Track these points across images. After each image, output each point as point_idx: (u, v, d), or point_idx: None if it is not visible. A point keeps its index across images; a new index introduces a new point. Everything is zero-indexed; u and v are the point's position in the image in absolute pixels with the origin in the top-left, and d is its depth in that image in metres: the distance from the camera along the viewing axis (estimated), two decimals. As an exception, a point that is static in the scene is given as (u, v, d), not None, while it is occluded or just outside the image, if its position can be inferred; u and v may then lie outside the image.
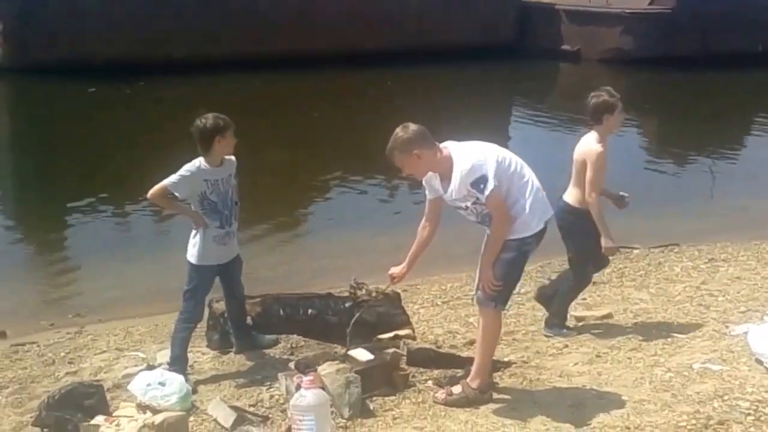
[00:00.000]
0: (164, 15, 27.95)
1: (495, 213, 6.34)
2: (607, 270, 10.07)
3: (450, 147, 6.40)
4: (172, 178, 7.16)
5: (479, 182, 6.20)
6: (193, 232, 7.33)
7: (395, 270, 7.03)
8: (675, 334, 8.01)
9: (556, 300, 8.24)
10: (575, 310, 8.76)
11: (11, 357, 8.64)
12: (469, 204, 6.40)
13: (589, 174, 7.66)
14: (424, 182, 6.66)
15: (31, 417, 6.82)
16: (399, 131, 6.34)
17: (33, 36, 26.85)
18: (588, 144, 7.85)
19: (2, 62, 26.97)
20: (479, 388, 6.63)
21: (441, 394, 6.68)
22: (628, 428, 6.11)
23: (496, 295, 6.50)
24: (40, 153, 19.61)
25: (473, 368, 6.69)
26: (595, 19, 32.13)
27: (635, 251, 11.31)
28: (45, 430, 6.58)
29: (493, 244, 6.44)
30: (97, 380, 7.40)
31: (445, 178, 6.41)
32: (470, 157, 6.27)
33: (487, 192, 6.20)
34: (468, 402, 6.58)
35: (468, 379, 6.67)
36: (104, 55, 26.42)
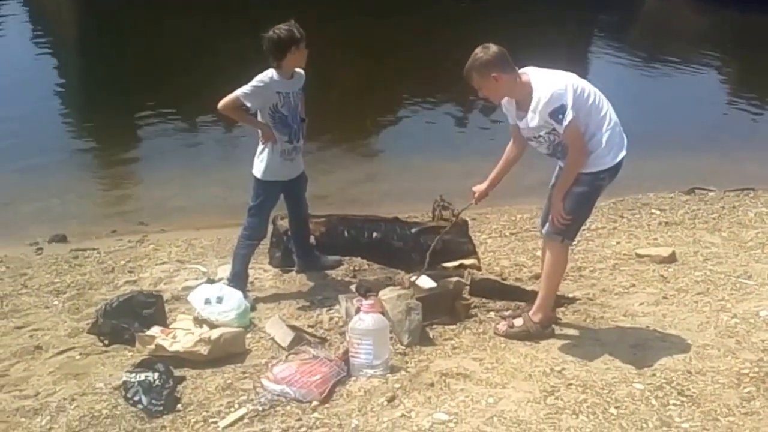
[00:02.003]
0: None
1: (572, 145, 6.13)
2: (680, 211, 9.93)
3: (530, 73, 6.18)
4: (245, 88, 7.04)
5: (558, 112, 5.99)
6: (261, 147, 7.24)
7: (478, 188, 6.89)
8: (744, 280, 7.84)
9: None
10: (640, 248, 8.63)
11: (71, 262, 8.68)
12: (542, 133, 6.20)
13: None
14: (502, 107, 6.47)
15: (87, 324, 6.86)
16: (479, 51, 6.12)
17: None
18: None
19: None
20: (541, 323, 6.52)
21: (502, 326, 6.59)
22: (689, 372, 6.01)
23: (565, 229, 6.34)
24: (109, 57, 19.55)
25: (536, 302, 6.58)
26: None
27: (710, 193, 11.04)
28: (101, 337, 6.60)
29: (567, 177, 6.23)
30: (157, 291, 7.39)
31: (523, 105, 6.21)
32: (550, 85, 6.05)
33: (565, 122, 5.99)
34: (529, 335, 6.48)
35: (530, 313, 6.55)
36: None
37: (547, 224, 6.46)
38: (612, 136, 6.19)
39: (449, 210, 7.66)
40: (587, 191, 6.28)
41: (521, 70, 6.19)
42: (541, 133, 6.21)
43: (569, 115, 5.98)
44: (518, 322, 6.55)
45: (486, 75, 6.08)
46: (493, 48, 6.11)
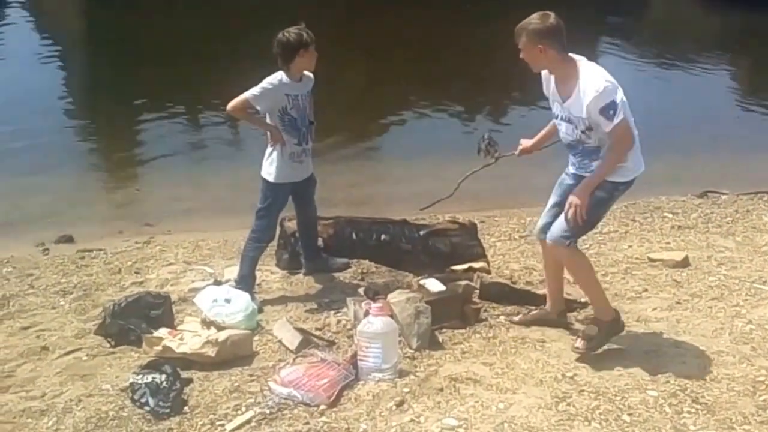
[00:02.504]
0: None
1: (618, 143, 5.92)
2: (693, 214, 9.87)
3: (580, 60, 5.99)
4: (254, 90, 7.03)
5: (610, 108, 5.78)
6: (270, 149, 7.22)
7: (525, 141, 6.82)
8: (759, 286, 7.75)
9: None
10: (653, 251, 8.55)
11: (77, 262, 8.65)
12: (577, 122, 6.00)
13: None
14: (542, 78, 6.26)
15: (93, 325, 6.84)
16: (536, 17, 5.94)
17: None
18: None
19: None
20: (612, 317, 6.35)
21: (580, 343, 6.27)
22: (704, 379, 5.94)
23: (573, 232, 6.15)
24: (115, 55, 19.56)
25: (594, 309, 6.45)
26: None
27: (723, 197, 10.95)
28: (108, 338, 6.57)
29: (600, 173, 6.00)
30: (164, 292, 7.34)
31: (563, 86, 6.02)
32: (602, 78, 5.84)
33: (616, 120, 5.78)
34: (610, 334, 6.31)
35: (596, 317, 6.38)
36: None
37: (555, 228, 6.23)
38: (636, 149, 6.06)
39: (495, 149, 7.19)
40: (605, 198, 6.13)
41: (573, 54, 6.02)
42: (578, 123, 6.01)
43: (620, 114, 5.79)
44: (592, 330, 6.32)
45: (534, 42, 5.90)
46: (552, 19, 5.93)
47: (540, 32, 5.88)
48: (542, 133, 6.73)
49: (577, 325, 6.77)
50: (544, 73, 6.19)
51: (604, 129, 5.85)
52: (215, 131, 13.93)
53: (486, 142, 7.14)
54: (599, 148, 6.03)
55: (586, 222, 6.12)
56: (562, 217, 6.14)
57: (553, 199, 6.49)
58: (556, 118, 6.22)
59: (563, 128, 6.18)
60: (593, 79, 5.82)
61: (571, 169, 6.32)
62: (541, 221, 6.57)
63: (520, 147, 6.89)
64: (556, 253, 6.35)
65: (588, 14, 25.60)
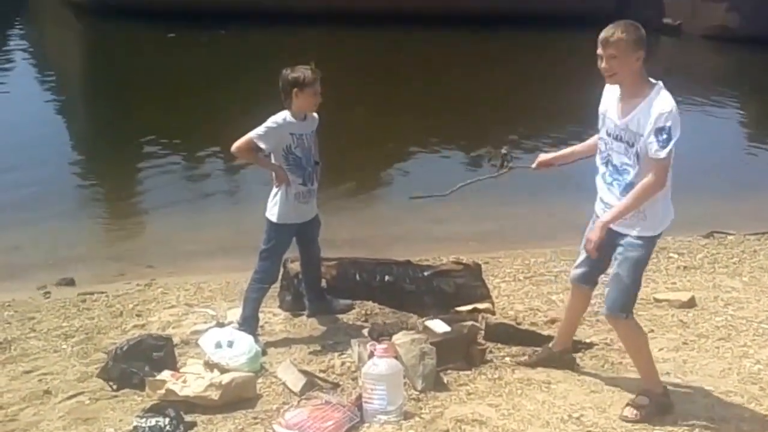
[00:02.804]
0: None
1: (656, 174, 5.66)
2: (699, 255, 9.86)
3: (658, 83, 5.76)
4: (258, 130, 7.02)
5: (665, 132, 5.56)
6: (274, 189, 7.19)
7: (544, 155, 6.58)
8: (766, 326, 7.74)
9: None
10: (659, 292, 8.52)
11: (79, 306, 8.59)
12: (631, 139, 5.70)
13: None
14: (605, 91, 5.97)
15: (96, 368, 6.77)
16: (630, 26, 5.67)
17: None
18: None
19: (80, 3, 26.73)
20: (662, 393, 6.14)
21: (629, 412, 6.04)
22: (712, 419, 5.92)
23: (628, 305, 5.96)
24: (115, 98, 19.62)
25: (643, 380, 6.20)
26: (700, -8, 30.45)
27: (730, 237, 10.97)
28: (110, 382, 6.51)
29: (631, 203, 5.73)
30: (166, 334, 7.30)
31: (630, 100, 5.74)
32: (674, 106, 5.63)
33: (664, 152, 5.58)
34: (659, 407, 6.06)
35: (646, 388, 6.15)
36: (187, 0, 25.67)
37: (610, 302, 5.98)
38: (668, 197, 5.90)
39: (511, 162, 6.93)
40: (646, 256, 5.92)
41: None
42: (625, 140, 5.75)
43: (670, 148, 5.58)
44: (642, 400, 6.08)
45: (633, 50, 5.66)
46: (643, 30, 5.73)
47: (640, 42, 5.68)
48: (571, 149, 6.52)
49: (583, 366, 6.75)
50: (608, 86, 5.93)
51: (649, 153, 5.61)
52: (217, 173, 13.93)
53: (505, 156, 6.94)
54: (633, 184, 5.76)
55: (633, 288, 5.94)
56: (613, 288, 5.93)
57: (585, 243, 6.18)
58: (608, 135, 5.89)
59: (613, 146, 5.86)
60: (665, 101, 5.63)
61: (600, 212, 6.02)
62: (578, 269, 6.39)
63: (537, 160, 6.63)
64: (613, 325, 6.20)
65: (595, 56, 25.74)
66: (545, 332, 7.32)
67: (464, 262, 8.25)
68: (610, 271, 6.00)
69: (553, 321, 7.57)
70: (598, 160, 6.03)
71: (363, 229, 11.78)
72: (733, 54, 27.02)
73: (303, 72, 6.97)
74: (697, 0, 30.05)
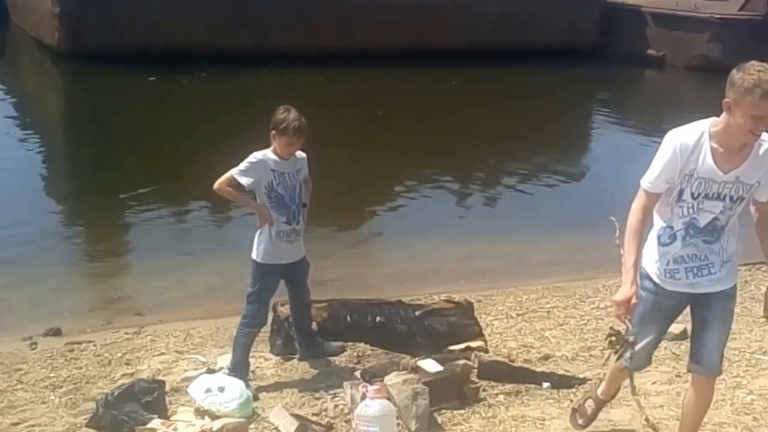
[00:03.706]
0: (231, 2, 27.07)
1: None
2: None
3: None
4: (240, 166, 7.04)
5: None
6: (259, 230, 7.17)
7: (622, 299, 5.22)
8: (759, 356, 7.77)
9: None
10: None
11: (66, 356, 8.49)
12: (738, 191, 5.09)
13: None
14: (682, 151, 5.18)
15: (84, 419, 6.69)
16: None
17: (91, 21, 26.12)
18: None
19: (60, 48, 26.65)
20: None
21: None
22: (706, 451, 5.83)
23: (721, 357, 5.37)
24: (96, 143, 19.49)
25: None
26: (683, 23, 30.53)
27: (720, 269, 10.91)
28: (100, 430, 6.44)
29: None
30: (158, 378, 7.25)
31: (737, 154, 5.07)
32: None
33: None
34: None
35: None
36: (166, 43, 25.44)
37: (713, 357, 5.34)
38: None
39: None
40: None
41: None
42: (738, 195, 5.11)
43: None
44: None
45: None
46: None
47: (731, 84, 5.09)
48: (634, 260, 5.22)
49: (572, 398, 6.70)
50: (694, 144, 5.22)
51: (763, 196, 5.16)
52: (202, 216, 13.83)
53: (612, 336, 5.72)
54: (723, 228, 5.26)
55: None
56: (722, 346, 5.40)
57: (654, 327, 5.52)
58: (705, 197, 5.13)
59: (710, 207, 5.16)
60: None
61: (661, 282, 5.36)
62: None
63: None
64: (712, 385, 5.53)
65: (584, 90, 25.95)
66: (539, 368, 7.32)
67: (456, 300, 8.28)
68: (709, 329, 5.36)
69: (546, 357, 7.62)
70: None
71: (353, 269, 11.74)
72: (717, 85, 27.09)
73: (287, 119, 6.98)
74: (680, 31, 30.32)
